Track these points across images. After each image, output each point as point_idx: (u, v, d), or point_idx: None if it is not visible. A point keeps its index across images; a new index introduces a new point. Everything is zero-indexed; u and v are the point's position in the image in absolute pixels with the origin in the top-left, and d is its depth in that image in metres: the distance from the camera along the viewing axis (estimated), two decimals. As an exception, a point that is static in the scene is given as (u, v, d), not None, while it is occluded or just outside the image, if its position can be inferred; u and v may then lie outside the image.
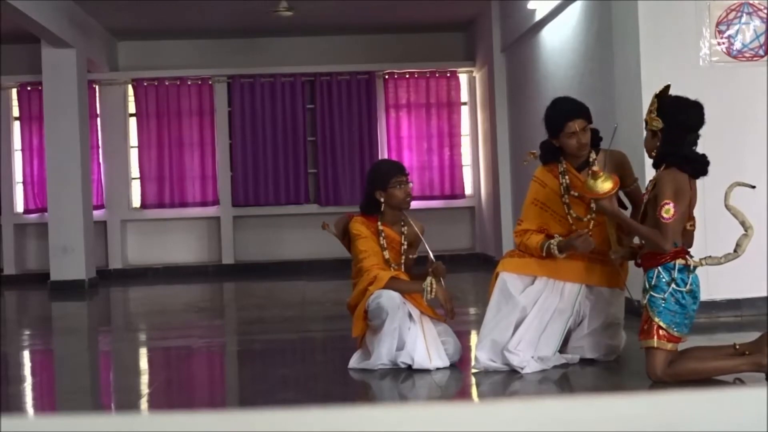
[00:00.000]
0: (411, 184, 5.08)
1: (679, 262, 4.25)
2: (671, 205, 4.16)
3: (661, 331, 4.20)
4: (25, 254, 12.56)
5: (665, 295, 4.22)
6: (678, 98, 4.35)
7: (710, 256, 4.37)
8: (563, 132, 4.69)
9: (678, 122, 4.27)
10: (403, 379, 4.70)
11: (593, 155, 4.77)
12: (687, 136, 4.30)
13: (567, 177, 4.81)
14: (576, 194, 4.77)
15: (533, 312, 4.70)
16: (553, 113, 4.76)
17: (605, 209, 4.43)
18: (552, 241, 4.69)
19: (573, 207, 4.79)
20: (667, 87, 4.35)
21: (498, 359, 4.70)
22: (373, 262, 4.93)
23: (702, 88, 5.98)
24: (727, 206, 4.30)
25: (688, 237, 4.43)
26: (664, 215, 4.16)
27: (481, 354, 4.74)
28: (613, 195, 4.40)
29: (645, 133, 4.41)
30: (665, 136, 4.26)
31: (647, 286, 4.27)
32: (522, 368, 4.61)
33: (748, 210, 4.45)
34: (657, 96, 4.33)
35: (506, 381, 4.55)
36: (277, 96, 12.58)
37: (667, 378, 4.20)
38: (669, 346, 4.22)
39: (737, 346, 4.28)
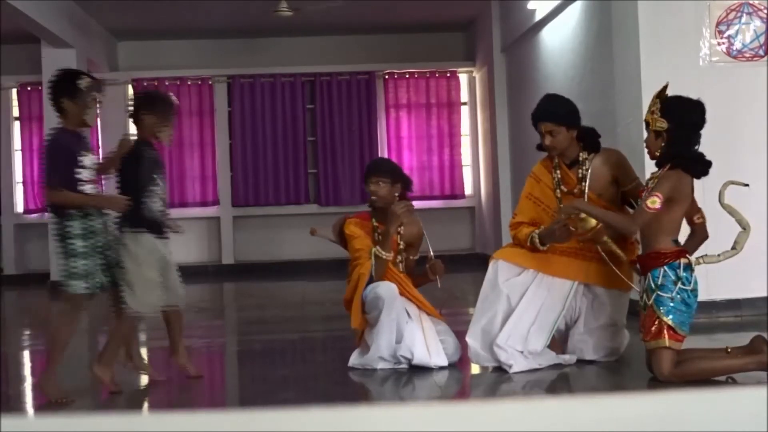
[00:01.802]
0: (380, 184, 5.02)
1: (683, 261, 4.25)
2: (660, 199, 4.16)
3: (670, 331, 4.20)
4: (25, 254, 12.55)
5: (673, 294, 4.21)
6: (681, 98, 4.33)
7: (707, 255, 4.38)
8: (537, 130, 4.83)
9: (686, 123, 4.26)
10: (403, 379, 4.70)
11: (583, 155, 4.82)
12: (693, 136, 4.30)
13: (559, 172, 4.85)
14: (566, 190, 4.81)
15: (521, 305, 4.72)
16: (533, 111, 4.85)
17: (576, 206, 4.50)
18: (534, 232, 4.73)
19: (564, 202, 4.83)
20: (665, 86, 4.34)
21: (488, 352, 4.73)
22: (367, 257, 4.96)
23: (702, 88, 5.97)
24: (722, 205, 4.31)
25: (700, 229, 4.45)
26: (649, 204, 4.16)
27: (472, 341, 4.79)
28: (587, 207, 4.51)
29: (646, 134, 4.40)
30: (673, 136, 4.24)
31: (653, 286, 4.26)
32: (510, 366, 4.63)
33: (747, 209, 4.46)
34: (657, 96, 4.32)
35: (505, 381, 4.55)
36: (277, 96, 12.57)
37: (674, 378, 4.19)
38: (678, 345, 4.23)
39: (729, 350, 4.29)
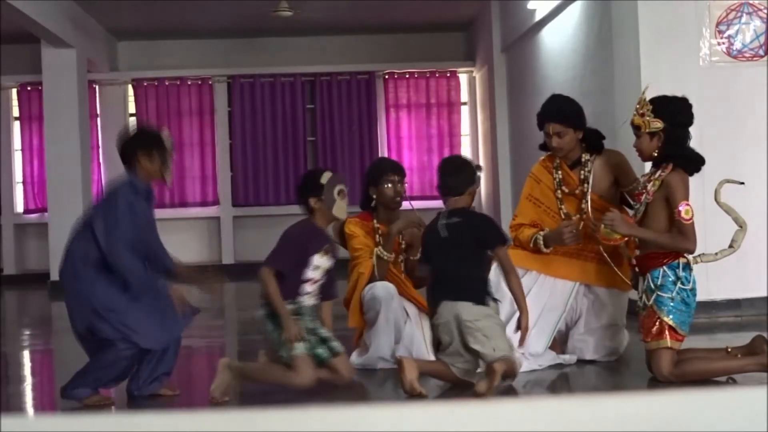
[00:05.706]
0: (401, 185, 5.05)
1: (682, 260, 4.25)
2: (690, 206, 4.16)
3: (672, 331, 4.20)
4: (25, 254, 12.55)
5: (673, 294, 4.21)
6: (668, 97, 4.34)
7: (704, 253, 4.37)
8: (543, 131, 4.78)
9: (680, 121, 4.27)
10: (403, 379, 4.69)
11: (585, 156, 4.80)
12: (687, 133, 4.31)
13: (560, 172, 4.83)
14: (567, 191, 4.79)
15: None
16: (539, 111, 4.82)
17: (621, 230, 4.41)
18: (539, 234, 4.71)
19: (565, 203, 4.81)
20: (646, 89, 4.36)
21: None
22: (367, 257, 4.95)
23: (702, 88, 5.98)
24: (718, 203, 4.31)
25: None
26: (685, 216, 4.15)
27: None
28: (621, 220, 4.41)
29: (641, 136, 4.39)
30: (668, 136, 4.25)
31: (653, 286, 4.26)
32: None
33: (747, 209, 4.45)
34: (642, 99, 4.33)
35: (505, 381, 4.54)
36: (277, 96, 12.57)
37: (674, 378, 4.19)
38: (678, 345, 4.23)
39: (729, 350, 4.29)
